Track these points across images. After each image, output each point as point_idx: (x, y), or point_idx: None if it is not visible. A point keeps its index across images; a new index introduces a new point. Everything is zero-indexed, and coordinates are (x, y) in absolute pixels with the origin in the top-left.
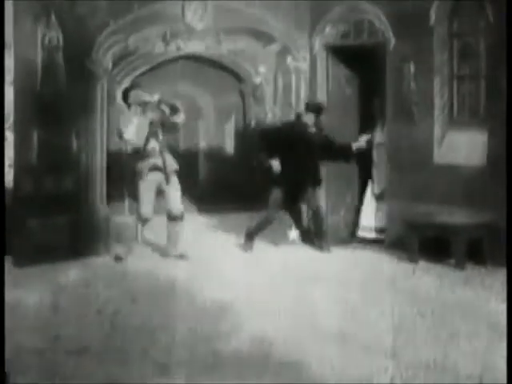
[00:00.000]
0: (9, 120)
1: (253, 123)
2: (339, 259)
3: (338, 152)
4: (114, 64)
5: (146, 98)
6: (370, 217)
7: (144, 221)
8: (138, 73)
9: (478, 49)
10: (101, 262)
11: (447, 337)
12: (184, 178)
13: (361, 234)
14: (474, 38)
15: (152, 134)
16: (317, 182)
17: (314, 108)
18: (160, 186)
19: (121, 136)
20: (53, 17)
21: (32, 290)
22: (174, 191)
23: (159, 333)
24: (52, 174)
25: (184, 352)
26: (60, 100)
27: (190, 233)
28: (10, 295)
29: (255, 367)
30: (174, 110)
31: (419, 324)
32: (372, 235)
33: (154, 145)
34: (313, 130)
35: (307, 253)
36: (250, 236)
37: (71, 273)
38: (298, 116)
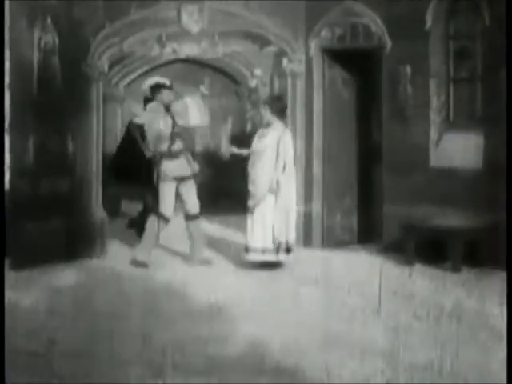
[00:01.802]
0: (5, 123)
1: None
2: (335, 262)
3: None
4: (110, 67)
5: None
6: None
7: (166, 221)
8: (133, 76)
9: (474, 51)
10: (97, 265)
11: (444, 339)
12: None
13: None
14: (471, 41)
15: (176, 134)
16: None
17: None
18: (178, 186)
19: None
20: (49, 20)
21: (28, 293)
22: (192, 191)
23: (154, 336)
24: (48, 177)
25: (179, 355)
26: (56, 103)
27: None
28: (6, 297)
29: (251, 370)
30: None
31: (415, 327)
32: (263, 257)
33: (178, 146)
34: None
35: (302, 255)
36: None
37: (67, 275)
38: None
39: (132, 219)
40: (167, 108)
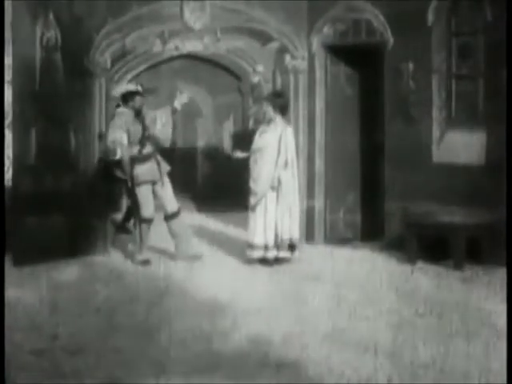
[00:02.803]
0: (7, 119)
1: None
2: (338, 259)
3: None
4: (113, 63)
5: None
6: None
7: (149, 222)
8: (136, 72)
9: (476, 48)
10: (99, 261)
11: (446, 337)
12: (182, 177)
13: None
14: (473, 38)
15: (146, 138)
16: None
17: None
18: (154, 187)
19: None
20: (51, 16)
21: (30, 289)
22: (168, 190)
23: (157, 332)
24: (50, 173)
25: (182, 351)
26: (58, 99)
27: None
28: (8, 294)
29: (253, 367)
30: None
31: (418, 324)
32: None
33: (148, 149)
34: None
35: (305, 251)
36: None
37: (69, 272)
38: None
39: (118, 226)
40: (138, 113)
